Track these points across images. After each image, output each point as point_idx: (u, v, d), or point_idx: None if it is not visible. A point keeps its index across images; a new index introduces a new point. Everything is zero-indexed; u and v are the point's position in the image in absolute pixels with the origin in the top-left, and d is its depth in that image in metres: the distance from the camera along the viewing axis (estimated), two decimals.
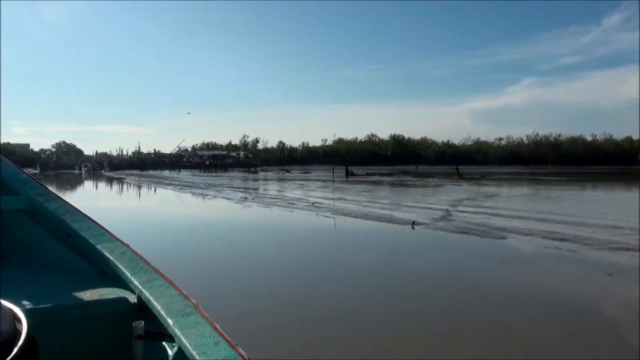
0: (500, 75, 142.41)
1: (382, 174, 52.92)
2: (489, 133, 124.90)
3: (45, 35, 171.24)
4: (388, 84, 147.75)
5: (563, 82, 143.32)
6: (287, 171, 66.24)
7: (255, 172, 62.02)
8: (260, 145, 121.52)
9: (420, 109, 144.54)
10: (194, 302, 1.46)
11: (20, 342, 0.68)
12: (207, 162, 76.96)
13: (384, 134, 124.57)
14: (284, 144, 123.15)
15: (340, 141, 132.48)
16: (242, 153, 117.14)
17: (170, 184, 34.30)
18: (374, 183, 34.83)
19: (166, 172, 69.49)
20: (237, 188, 28.22)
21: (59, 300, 1.62)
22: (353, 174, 50.49)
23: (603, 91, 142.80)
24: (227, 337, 1.26)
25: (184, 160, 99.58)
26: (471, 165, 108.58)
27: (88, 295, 1.65)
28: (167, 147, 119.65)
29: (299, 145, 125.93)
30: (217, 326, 1.32)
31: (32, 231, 2.20)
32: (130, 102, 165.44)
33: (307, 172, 60.74)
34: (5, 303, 0.75)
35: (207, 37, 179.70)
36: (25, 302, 1.54)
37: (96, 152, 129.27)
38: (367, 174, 52.35)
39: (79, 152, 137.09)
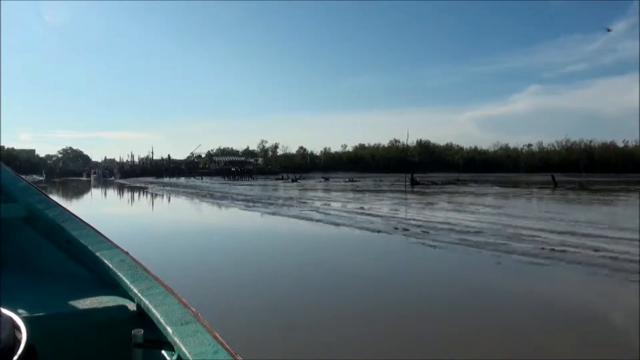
0: (505, 83, 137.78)
1: (447, 183, 45.03)
2: (495, 141, 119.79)
3: (49, 39, 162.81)
4: (391, 92, 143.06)
5: (568, 90, 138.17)
6: (326, 179, 58.09)
7: (295, 181, 53.63)
8: (279, 151, 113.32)
9: (425, 116, 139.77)
10: (194, 310, 1.43)
11: (19, 351, 0.69)
12: (233, 169, 68.26)
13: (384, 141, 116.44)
14: (304, 149, 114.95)
15: (362, 147, 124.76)
16: (260, 159, 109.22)
17: (222, 198, 25.97)
18: (497, 196, 26.51)
19: (184, 180, 61.33)
20: (344, 208, 19.83)
21: (58, 308, 1.61)
22: (418, 183, 42.53)
23: (608, 99, 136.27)
24: (227, 346, 1.25)
25: (201, 166, 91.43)
26: (500, 172, 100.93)
27: (87, 303, 1.64)
28: (175, 154, 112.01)
29: (320, 152, 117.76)
30: (217, 335, 1.30)
31: (32, 238, 2.17)
32: (135, 108, 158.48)
33: (353, 181, 52.57)
34: (4, 311, 0.76)
35: (211, 41, 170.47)
36: (24, 310, 1.52)
37: (105, 157, 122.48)
38: (433, 183, 44.37)
39: (86, 158, 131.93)
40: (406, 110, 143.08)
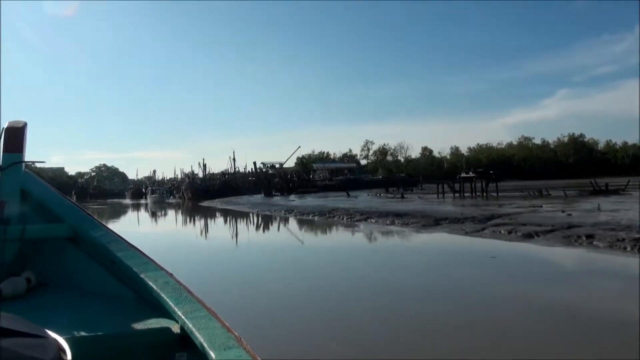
0: (534, 88, 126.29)
1: None
2: None
3: (79, 57, 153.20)
4: (418, 101, 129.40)
5: (598, 92, 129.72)
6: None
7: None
8: (394, 154, 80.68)
9: (453, 124, 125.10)
10: (237, 334, 1.40)
11: None
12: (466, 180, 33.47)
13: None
14: (430, 151, 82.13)
15: (487, 148, 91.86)
16: (372, 164, 77.08)
17: None
18: None
19: (338, 201, 29.43)
20: None
21: (102, 328, 1.58)
22: None
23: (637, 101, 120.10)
24: None
25: (311, 178, 59.62)
26: None
27: (131, 324, 1.61)
28: (219, 169, 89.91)
29: (448, 154, 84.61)
30: None
31: (76, 258, 2.14)
32: (167, 126, 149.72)
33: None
34: (50, 333, 0.77)
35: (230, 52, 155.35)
36: (68, 331, 1.49)
37: (153, 171, 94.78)
38: None
39: (123, 176, 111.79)
40: (430, 119, 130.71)
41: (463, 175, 32.15)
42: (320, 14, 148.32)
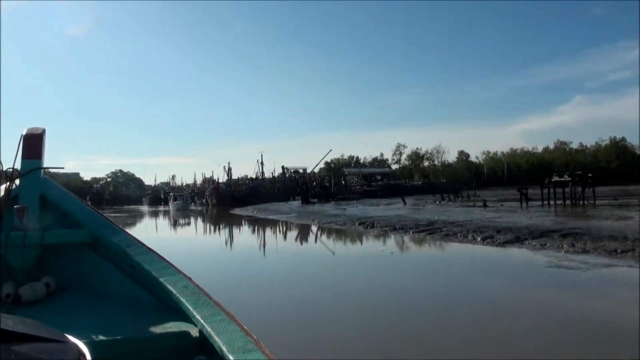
0: (550, 94, 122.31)
1: None
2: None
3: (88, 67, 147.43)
4: (434, 108, 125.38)
5: (614, 99, 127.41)
6: None
7: None
8: (430, 157, 75.39)
9: (468, 131, 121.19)
10: (255, 338, 1.39)
11: None
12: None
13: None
14: (467, 156, 76.75)
15: (525, 152, 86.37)
16: (404, 169, 71.97)
17: None
18: None
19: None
20: None
21: (122, 332, 1.58)
22: None
23: None
24: None
25: (345, 183, 54.54)
26: None
27: (150, 328, 1.62)
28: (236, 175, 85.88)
29: (482, 159, 79.13)
30: None
31: (96, 263, 2.14)
32: (183, 132, 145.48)
33: None
34: (70, 337, 0.77)
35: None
36: (88, 334, 1.51)
37: (172, 177, 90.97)
38: None
39: (139, 182, 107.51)
40: (446, 126, 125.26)
41: (556, 179, 27.11)
42: (347, 20, 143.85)
